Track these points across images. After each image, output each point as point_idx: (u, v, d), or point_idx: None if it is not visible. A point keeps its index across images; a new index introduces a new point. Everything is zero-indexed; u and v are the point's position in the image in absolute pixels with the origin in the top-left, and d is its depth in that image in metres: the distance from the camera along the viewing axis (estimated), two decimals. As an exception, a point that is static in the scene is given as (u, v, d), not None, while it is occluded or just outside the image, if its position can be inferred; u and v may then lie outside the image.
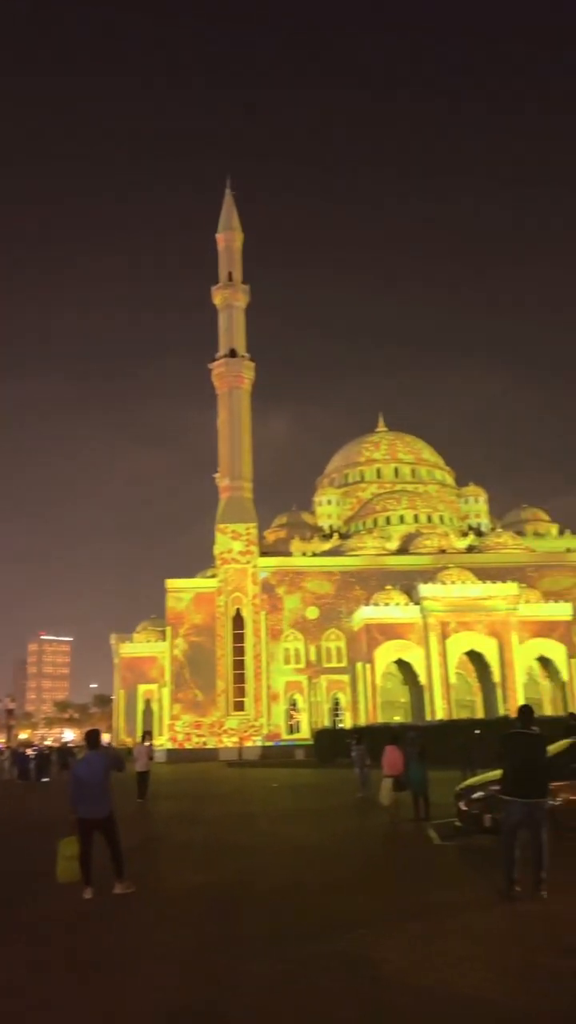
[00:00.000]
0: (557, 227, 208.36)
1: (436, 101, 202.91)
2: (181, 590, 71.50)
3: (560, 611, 64.97)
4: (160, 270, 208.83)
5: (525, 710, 10.25)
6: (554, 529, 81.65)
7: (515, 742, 9.79)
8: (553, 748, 13.05)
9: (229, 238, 78.31)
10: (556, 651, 64.04)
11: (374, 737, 29.92)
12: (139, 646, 76.12)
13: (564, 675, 63.70)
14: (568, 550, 76.21)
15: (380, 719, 59.37)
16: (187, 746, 64.49)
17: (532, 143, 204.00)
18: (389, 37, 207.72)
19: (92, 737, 11.00)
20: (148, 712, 73.22)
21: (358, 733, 31.65)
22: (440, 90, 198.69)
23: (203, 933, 8.50)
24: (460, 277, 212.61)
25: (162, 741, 65.97)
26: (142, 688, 73.66)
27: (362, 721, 61.05)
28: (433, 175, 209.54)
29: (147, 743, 26.64)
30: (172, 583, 71.71)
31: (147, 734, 30.50)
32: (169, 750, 62.53)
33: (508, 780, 9.65)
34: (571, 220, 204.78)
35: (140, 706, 74.13)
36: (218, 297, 76.94)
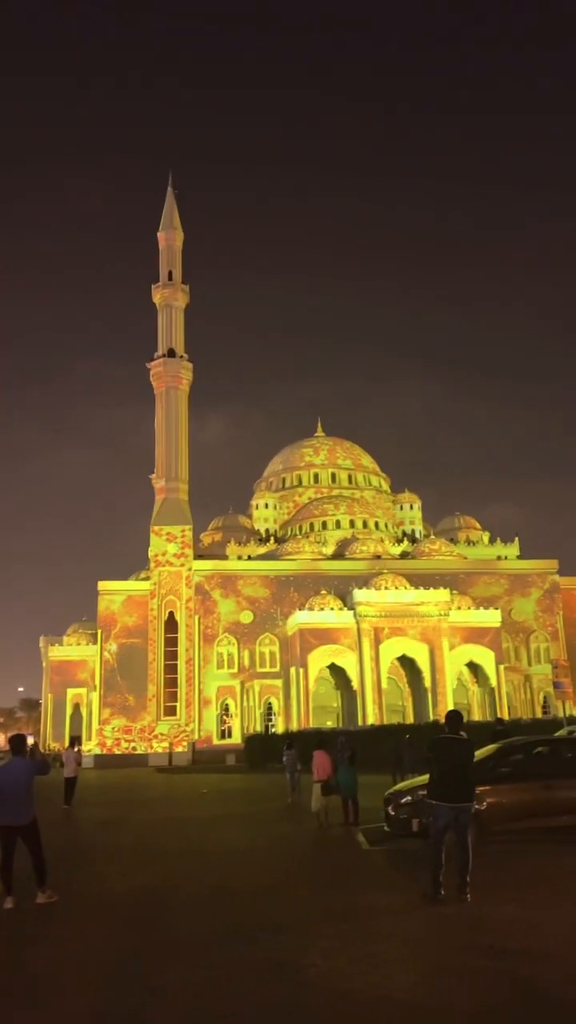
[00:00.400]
0: (496, 236, 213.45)
1: (376, 102, 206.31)
2: (113, 592, 70.28)
3: (490, 618, 66.12)
4: (97, 268, 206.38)
5: (453, 715, 10.34)
6: (486, 537, 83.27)
7: (443, 747, 9.90)
8: (480, 753, 13.25)
9: (170, 237, 77.49)
10: (485, 657, 65.12)
11: (305, 742, 29.80)
12: (69, 649, 74.47)
13: (492, 681, 64.80)
14: (499, 558, 77.75)
15: (312, 724, 59.34)
16: (116, 751, 63.22)
17: (471, 144, 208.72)
18: (332, 38, 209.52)
19: (16, 742, 10.61)
20: (77, 717, 71.63)
21: (290, 738, 31.52)
22: (379, 90, 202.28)
23: (128, 941, 8.39)
24: (399, 283, 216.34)
25: (91, 746, 64.56)
26: (71, 692, 72.03)
27: (295, 726, 60.88)
28: (377, 176, 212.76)
29: (76, 749, 26.11)
30: (104, 585, 70.47)
31: (76, 739, 29.90)
32: (97, 755, 61.16)
33: (436, 785, 9.79)
34: (506, 231, 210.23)
35: (69, 710, 72.51)
36: (158, 296, 76.04)
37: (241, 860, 13.43)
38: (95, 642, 70.62)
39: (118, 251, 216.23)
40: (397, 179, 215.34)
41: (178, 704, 66.06)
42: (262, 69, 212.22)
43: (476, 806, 10.87)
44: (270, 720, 67.16)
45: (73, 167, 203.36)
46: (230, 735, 65.94)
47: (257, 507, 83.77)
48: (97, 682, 69.04)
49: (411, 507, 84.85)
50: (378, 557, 72.64)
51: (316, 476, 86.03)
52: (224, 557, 74.13)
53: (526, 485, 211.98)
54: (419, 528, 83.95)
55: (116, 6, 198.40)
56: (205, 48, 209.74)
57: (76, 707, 71.75)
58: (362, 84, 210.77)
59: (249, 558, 74.49)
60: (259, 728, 64.73)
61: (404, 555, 75.73)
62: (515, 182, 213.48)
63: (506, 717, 55.46)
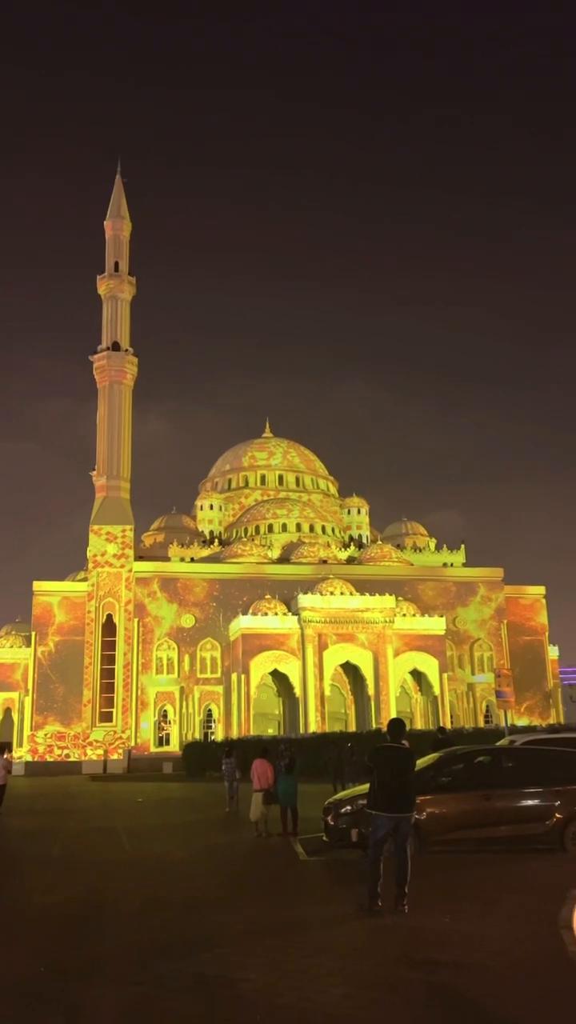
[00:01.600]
0: (446, 240, 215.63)
1: (328, 102, 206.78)
2: (49, 593, 68.05)
3: (434, 625, 65.73)
4: (31, 256, 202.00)
5: (395, 724, 10.31)
6: (432, 543, 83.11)
7: (384, 756, 9.83)
8: (421, 762, 13.26)
9: (117, 226, 75.65)
10: (429, 665, 64.65)
11: (246, 750, 28.96)
12: (1, 651, 71.58)
13: (436, 689, 64.36)
14: (445, 565, 77.55)
15: (253, 732, 58.08)
16: (49, 758, 61.03)
17: (420, 146, 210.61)
18: (292, 38, 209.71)
19: None
20: (8, 722, 68.90)
21: (229, 746, 30.74)
22: (329, 89, 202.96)
23: (53, 957, 8.09)
24: (348, 286, 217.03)
25: (22, 753, 62.16)
26: (2, 696, 69.25)
27: (235, 734, 59.64)
28: (329, 178, 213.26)
29: (5, 755, 24.87)
30: (39, 585, 68.24)
31: (4, 746, 28.48)
32: (29, 763, 58.96)
33: (376, 794, 9.69)
34: (457, 236, 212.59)
35: (-1, 715, 69.69)
36: (103, 287, 74.12)
37: (175, 871, 13.27)
38: (29, 644, 68.19)
39: (54, 240, 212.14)
40: (351, 182, 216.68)
41: (114, 710, 64.07)
42: (214, 65, 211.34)
43: (416, 816, 10.76)
44: (210, 727, 65.64)
45: (9, 153, 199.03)
46: (168, 742, 64.23)
47: (202, 508, 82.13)
48: (30, 686, 66.62)
49: (359, 512, 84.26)
50: (324, 562, 71.77)
51: (263, 478, 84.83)
52: (166, 559, 72.40)
53: (470, 492, 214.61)
54: (366, 533, 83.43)
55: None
56: (152, 39, 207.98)
57: (7, 712, 69.04)
58: (316, 83, 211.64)
59: (192, 560, 72.89)
60: (198, 735, 63.23)
61: (351, 560, 75.03)
62: (466, 187, 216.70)
63: (449, 726, 55.02)
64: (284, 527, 78.03)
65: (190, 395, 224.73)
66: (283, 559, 73.40)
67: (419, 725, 61.63)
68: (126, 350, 72.41)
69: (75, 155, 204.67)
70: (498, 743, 28.76)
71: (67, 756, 61.50)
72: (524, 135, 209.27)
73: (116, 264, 74.68)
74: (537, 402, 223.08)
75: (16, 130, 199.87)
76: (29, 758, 60.76)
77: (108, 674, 64.91)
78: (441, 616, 67.16)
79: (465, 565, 78.43)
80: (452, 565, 78.01)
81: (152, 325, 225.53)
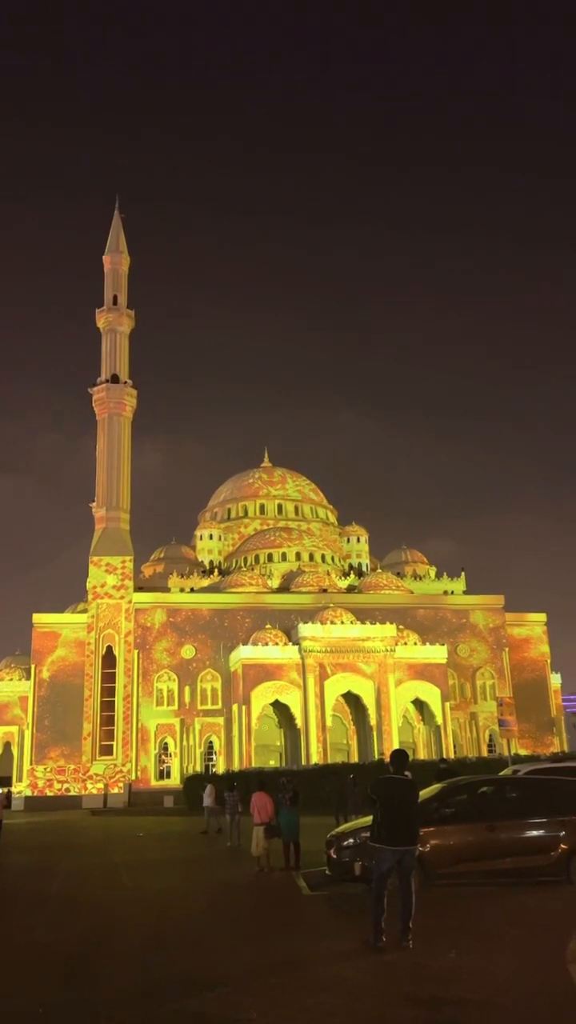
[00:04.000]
0: (427, 275, 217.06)
1: (322, 145, 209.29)
2: (49, 625, 67.75)
3: (436, 654, 65.36)
4: (29, 291, 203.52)
5: (398, 755, 10.17)
6: (432, 571, 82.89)
7: (387, 788, 9.71)
8: (424, 793, 13.14)
9: (116, 260, 76.60)
10: (431, 694, 64.19)
11: (247, 783, 28.69)
12: None
13: (438, 718, 63.84)
14: (446, 592, 77.29)
15: (255, 764, 57.53)
16: (48, 793, 60.25)
17: (405, 190, 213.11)
18: (287, 75, 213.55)
19: None
20: (8, 756, 68.16)
21: (231, 779, 30.54)
22: (324, 132, 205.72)
23: (53, 997, 7.92)
24: (341, 317, 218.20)
25: (22, 788, 61.41)
26: (1, 730, 68.59)
27: (236, 766, 59.00)
28: (322, 217, 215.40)
29: (5, 790, 24.59)
30: (39, 617, 67.93)
31: (1, 780, 28.18)
32: (28, 797, 58.16)
33: (379, 827, 9.56)
34: (438, 269, 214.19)
35: (-1, 750, 68.97)
36: (102, 320, 74.84)
37: (176, 908, 13.09)
38: (28, 677, 67.68)
39: (51, 277, 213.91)
40: (344, 222, 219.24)
41: (115, 743, 63.44)
42: (211, 102, 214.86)
43: (419, 848, 10.58)
44: (211, 759, 64.94)
45: (10, 190, 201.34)
46: (169, 775, 63.52)
47: (201, 538, 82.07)
48: (29, 720, 66.02)
49: (358, 540, 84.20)
50: (324, 591, 71.55)
51: (262, 507, 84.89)
52: (166, 589, 72.19)
53: (466, 520, 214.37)
54: (366, 561, 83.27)
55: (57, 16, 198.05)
56: (150, 76, 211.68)
57: (7, 746, 68.33)
58: (310, 123, 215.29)
59: (192, 590, 72.68)
60: (199, 768, 62.52)
61: (351, 589, 74.82)
62: (458, 226, 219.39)
63: (452, 755, 54.53)
64: (284, 556, 77.94)
65: (187, 427, 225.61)
66: (283, 588, 73.19)
67: (422, 755, 61.06)
68: (125, 382, 72.89)
69: (72, 192, 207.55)
70: (501, 773, 28.54)
71: (67, 790, 60.76)
72: (516, 176, 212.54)
73: (115, 298, 75.46)
74: (524, 436, 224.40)
75: (13, 170, 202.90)
76: (29, 792, 60.00)
77: (108, 707, 64.39)
78: (442, 644, 66.82)
79: (465, 593, 78.19)
80: (452, 593, 77.73)
81: (140, 358, 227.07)
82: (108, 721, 63.98)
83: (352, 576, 78.54)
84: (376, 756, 56.28)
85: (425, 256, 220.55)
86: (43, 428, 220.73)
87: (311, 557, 78.59)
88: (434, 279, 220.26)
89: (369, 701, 62.64)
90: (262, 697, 61.54)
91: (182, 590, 72.55)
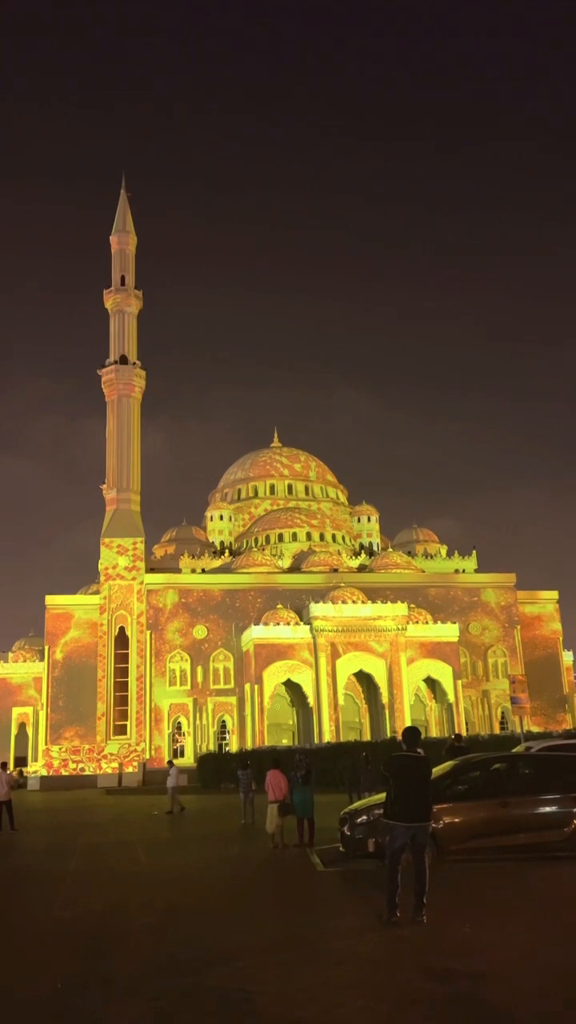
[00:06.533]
0: (432, 250, 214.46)
1: (333, 126, 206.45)
2: (61, 607, 68.11)
3: (448, 632, 65.38)
4: (32, 274, 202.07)
5: (411, 732, 10.25)
6: (444, 550, 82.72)
7: (400, 765, 9.78)
8: (437, 770, 13.21)
9: (123, 241, 76.07)
10: (443, 672, 64.30)
11: (260, 761, 28.84)
12: (14, 666, 71.82)
13: (450, 696, 63.97)
14: (457, 571, 77.19)
15: (268, 742, 57.86)
16: (64, 773, 60.90)
17: (409, 166, 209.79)
18: (288, 56, 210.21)
19: None
20: (22, 736, 68.92)
21: (245, 757, 30.68)
22: (335, 114, 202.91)
23: (71, 973, 8.02)
24: (349, 297, 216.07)
25: (36, 767, 62.09)
26: (16, 711, 69.35)
27: (249, 745, 59.41)
28: (328, 195, 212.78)
29: (8, 771, 24.90)
30: (52, 599, 68.30)
31: (4, 765, 28.40)
32: (43, 777, 58.83)
33: (392, 803, 9.64)
34: (445, 245, 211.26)
35: (14, 730, 69.76)
36: (109, 301, 74.46)
37: (192, 884, 13.22)
38: (42, 659, 68.21)
39: (48, 259, 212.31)
40: (347, 198, 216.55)
41: (128, 723, 63.98)
42: (219, 80, 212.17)
43: (433, 825, 10.68)
44: (224, 738, 65.42)
45: (10, 172, 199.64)
46: (183, 754, 64.03)
47: (212, 519, 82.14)
48: (44, 700, 66.62)
49: (369, 519, 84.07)
50: (335, 570, 71.58)
51: (273, 487, 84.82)
52: (177, 570, 72.41)
53: (476, 499, 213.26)
54: (377, 541, 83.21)
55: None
56: (156, 55, 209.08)
57: (21, 726, 69.05)
58: (318, 104, 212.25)
59: (203, 571, 72.87)
60: (212, 747, 63.02)
61: (362, 568, 74.81)
62: (461, 202, 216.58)
63: (464, 733, 54.63)
64: (295, 536, 77.96)
65: (196, 407, 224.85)
66: (294, 568, 73.28)
67: (434, 733, 61.29)
68: (134, 363, 72.68)
69: (77, 171, 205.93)
70: (514, 750, 28.62)
71: (82, 770, 61.41)
72: (518, 148, 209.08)
73: (123, 278, 75.02)
74: (533, 412, 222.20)
75: (17, 147, 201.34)
76: (44, 772, 60.68)
77: (121, 687, 64.88)
78: (454, 623, 66.84)
79: (477, 571, 78.07)
80: (464, 571, 77.62)
81: (152, 336, 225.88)
82: (122, 701, 64.50)
83: (363, 555, 78.50)
84: (388, 734, 56.52)
85: (430, 233, 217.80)
86: (41, 411, 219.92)
87: (322, 537, 78.57)
88: (433, 252, 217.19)
89: (381, 680, 62.83)
90: (274, 676, 61.82)
91: (193, 571, 72.76)
